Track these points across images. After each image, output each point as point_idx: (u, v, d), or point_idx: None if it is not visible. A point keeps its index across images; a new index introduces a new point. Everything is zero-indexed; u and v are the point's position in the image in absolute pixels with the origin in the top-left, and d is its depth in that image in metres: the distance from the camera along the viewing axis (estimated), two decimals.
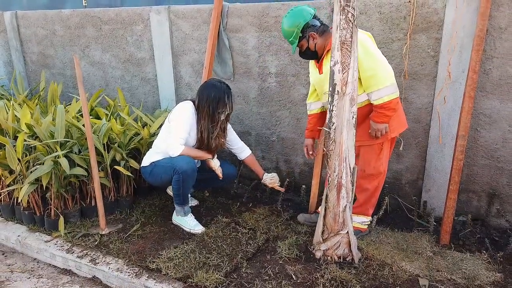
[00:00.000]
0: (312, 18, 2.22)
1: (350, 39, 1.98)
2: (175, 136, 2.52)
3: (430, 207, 2.68)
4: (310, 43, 2.21)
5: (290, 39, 2.25)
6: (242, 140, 2.92)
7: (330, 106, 2.07)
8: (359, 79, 2.15)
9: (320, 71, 2.29)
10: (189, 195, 3.03)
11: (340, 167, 2.09)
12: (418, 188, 2.76)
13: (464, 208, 2.64)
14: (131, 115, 3.21)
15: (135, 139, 2.97)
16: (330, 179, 2.13)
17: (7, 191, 2.78)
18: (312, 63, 2.40)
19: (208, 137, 2.62)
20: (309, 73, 2.62)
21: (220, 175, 2.64)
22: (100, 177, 2.72)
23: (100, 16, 3.77)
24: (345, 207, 2.13)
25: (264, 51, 3.07)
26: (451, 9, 2.36)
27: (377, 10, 2.59)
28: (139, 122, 3.14)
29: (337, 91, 2.04)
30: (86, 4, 5.38)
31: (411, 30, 2.51)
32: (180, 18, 3.35)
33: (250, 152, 2.88)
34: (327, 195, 2.16)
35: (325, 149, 2.14)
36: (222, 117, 2.60)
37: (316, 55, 2.29)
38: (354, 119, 2.06)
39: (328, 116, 2.11)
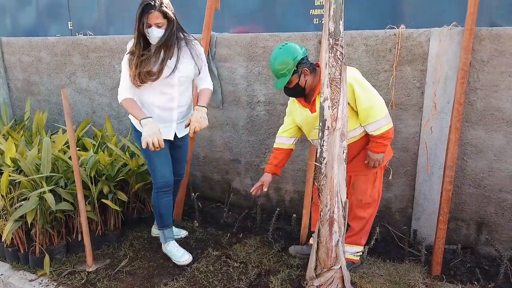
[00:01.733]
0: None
1: (339, 76, 2.00)
2: (120, 84, 2.33)
3: (421, 236, 2.70)
4: (301, 79, 2.21)
5: (282, 72, 2.18)
6: (230, 168, 2.90)
7: (321, 141, 2.08)
8: (355, 112, 2.18)
9: (313, 110, 2.28)
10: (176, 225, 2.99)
11: (332, 202, 2.09)
12: (408, 217, 2.78)
13: (454, 236, 2.66)
14: (119, 144, 3.17)
15: (123, 170, 2.92)
16: (322, 213, 2.12)
17: None
18: (295, 102, 2.37)
19: (136, 65, 2.24)
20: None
21: (191, 132, 2.27)
22: (87, 211, 2.66)
23: (87, 44, 3.76)
24: (338, 241, 2.12)
25: (253, 80, 3.09)
26: (435, 43, 2.42)
27: (363, 42, 2.64)
28: (126, 152, 3.10)
29: (328, 126, 2.06)
30: (71, 28, 5.36)
31: (396, 62, 2.56)
32: None
33: (208, 87, 2.49)
34: (319, 230, 2.15)
35: (316, 184, 2.14)
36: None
37: (303, 93, 2.28)
38: (344, 153, 2.07)
39: (318, 151, 2.11)
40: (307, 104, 2.31)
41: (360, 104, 2.13)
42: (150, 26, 2.18)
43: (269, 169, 2.48)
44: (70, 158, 2.75)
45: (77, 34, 4.66)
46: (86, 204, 2.63)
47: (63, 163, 2.79)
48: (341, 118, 2.06)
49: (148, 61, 2.24)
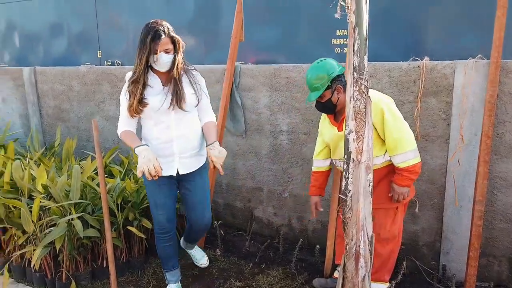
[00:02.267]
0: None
1: (364, 109, 2.02)
2: (119, 119, 2.32)
3: (450, 272, 2.61)
4: (334, 95, 2.20)
5: (316, 85, 2.18)
6: (253, 196, 2.87)
7: (346, 173, 2.08)
8: (381, 140, 2.18)
9: (340, 129, 2.29)
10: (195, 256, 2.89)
11: (358, 236, 2.07)
12: (436, 251, 2.70)
13: (485, 273, 2.57)
14: None
15: None
16: (347, 247, 2.09)
17: (20, 253, 2.76)
18: (326, 120, 2.39)
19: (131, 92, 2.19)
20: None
21: (219, 169, 2.18)
22: (112, 237, 2.70)
23: (116, 74, 3.90)
24: (364, 277, 2.08)
25: (276, 110, 3.14)
26: (460, 75, 2.42)
27: (386, 73, 2.65)
28: None
29: (352, 159, 2.06)
30: (100, 56, 5.59)
31: (421, 93, 2.55)
32: None
33: (212, 119, 2.38)
34: (345, 264, 2.12)
35: (341, 216, 2.13)
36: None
37: (333, 110, 2.27)
38: (370, 187, 2.06)
39: (343, 183, 2.11)
40: (336, 122, 2.31)
41: (389, 132, 2.12)
42: (157, 53, 2.12)
43: (314, 191, 2.53)
44: (98, 185, 2.82)
45: (105, 62, 4.85)
46: (112, 231, 2.68)
47: (91, 190, 2.87)
48: (366, 151, 2.06)
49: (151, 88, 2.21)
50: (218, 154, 2.18)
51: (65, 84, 4.28)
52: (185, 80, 2.27)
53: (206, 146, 2.26)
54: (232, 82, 3.22)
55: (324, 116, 2.42)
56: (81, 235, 2.51)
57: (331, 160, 2.47)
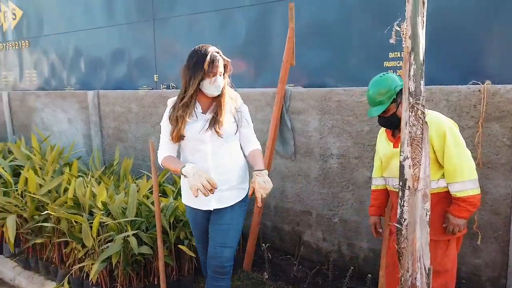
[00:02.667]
0: None
1: (421, 135, 1.95)
2: (159, 146, 2.24)
3: None
4: (399, 109, 2.13)
5: (381, 99, 2.13)
6: (301, 219, 2.82)
7: (401, 201, 2.01)
8: (438, 164, 2.09)
9: (396, 145, 2.23)
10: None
11: (414, 267, 1.97)
12: (501, 287, 2.50)
13: None
14: None
15: None
16: (402, 279, 2.00)
17: (80, 266, 2.91)
18: (383, 135, 2.33)
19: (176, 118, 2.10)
20: (373, 152, 2.55)
21: (257, 199, 1.95)
22: (164, 255, 2.78)
23: (171, 97, 4.09)
24: None
25: (326, 133, 3.12)
26: None
27: (444, 97, 2.56)
28: None
29: (408, 186, 1.99)
30: (157, 80, 5.89)
31: (482, 118, 2.43)
32: (244, 100, 3.51)
33: (257, 147, 2.20)
34: None
35: (396, 246, 2.05)
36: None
37: (398, 125, 2.18)
38: (427, 216, 1.97)
39: (398, 211, 2.03)
40: (393, 138, 2.24)
41: (449, 158, 2.03)
42: (215, 75, 2.05)
43: (373, 211, 2.45)
44: (152, 203, 2.94)
45: (161, 86, 5.11)
46: (164, 249, 2.76)
47: (146, 208, 2.99)
48: (423, 178, 1.98)
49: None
50: (263, 183, 1.95)
51: (124, 107, 4.55)
52: (227, 107, 2.13)
53: (254, 171, 2.03)
54: (282, 105, 3.25)
55: (381, 131, 2.36)
56: (135, 251, 2.61)
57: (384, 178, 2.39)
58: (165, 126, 2.18)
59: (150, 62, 5.80)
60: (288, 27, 3.15)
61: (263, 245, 3.21)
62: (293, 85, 3.57)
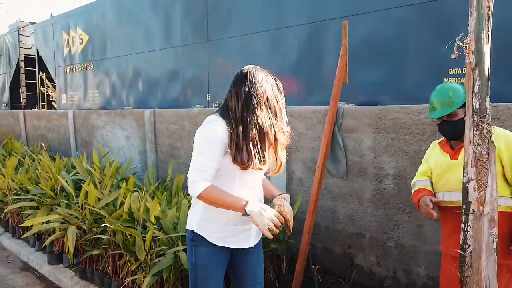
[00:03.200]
0: None
1: (487, 155, 1.82)
2: (196, 167, 1.74)
3: None
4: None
5: (449, 101, 2.02)
6: (353, 242, 2.72)
7: (464, 226, 1.86)
8: (506, 182, 1.98)
9: (454, 157, 2.08)
10: None
11: None
12: None
13: None
14: None
15: None
16: None
17: (132, 279, 2.99)
18: (437, 148, 2.18)
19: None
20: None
21: (290, 225, 1.79)
22: None
23: None
24: None
25: (381, 152, 3.00)
26: None
27: (511, 115, 2.38)
28: None
29: (472, 210, 1.84)
30: (209, 99, 6.06)
31: None
32: (295, 118, 3.52)
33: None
34: None
35: (459, 275, 1.89)
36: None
37: (460, 134, 2.03)
38: (495, 243, 1.81)
39: (462, 236, 1.89)
40: (450, 149, 2.10)
41: None
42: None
43: (421, 192, 2.15)
44: None
45: (213, 104, 5.25)
46: None
47: None
48: (489, 202, 1.83)
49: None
50: (290, 208, 1.81)
51: (178, 124, 4.71)
52: None
53: (278, 195, 1.87)
54: (334, 123, 3.20)
55: (433, 145, 2.24)
56: (186, 266, 2.64)
57: (435, 194, 2.22)
58: (214, 146, 1.73)
59: (203, 81, 6.00)
60: (342, 45, 3.11)
61: (313, 266, 3.12)
62: (345, 103, 3.51)
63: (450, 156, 2.09)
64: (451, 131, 2.08)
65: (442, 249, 2.27)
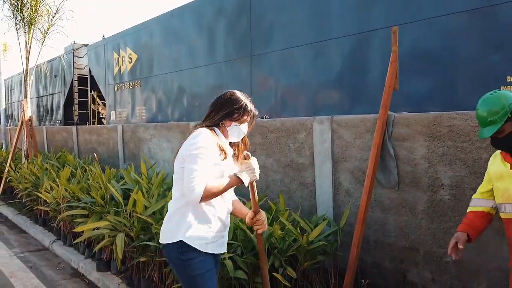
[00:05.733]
0: None
1: None
2: (195, 177, 1.92)
3: None
4: None
5: (492, 119, 1.91)
6: (406, 256, 2.57)
7: None
8: None
9: None
10: None
11: None
12: None
13: None
14: (289, 219, 3.25)
15: (294, 245, 2.95)
16: None
17: (178, 286, 2.98)
18: (499, 157, 2.06)
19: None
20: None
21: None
22: (256, 282, 2.72)
23: (267, 126, 4.17)
24: None
25: (436, 161, 2.85)
26: None
27: None
28: (297, 228, 3.14)
29: None
30: None
31: None
32: (342, 127, 3.44)
33: (235, 197, 2.29)
34: None
35: None
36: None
37: None
38: None
39: None
40: (511, 158, 1.97)
41: None
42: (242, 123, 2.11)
43: (462, 227, 2.15)
44: (248, 228, 2.93)
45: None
46: (258, 275, 2.70)
47: (242, 233, 2.99)
48: None
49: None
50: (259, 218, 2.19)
51: None
52: None
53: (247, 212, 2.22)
54: (385, 132, 3.08)
55: (496, 152, 2.11)
56: (231, 275, 2.60)
57: (496, 205, 2.08)
58: (208, 160, 1.94)
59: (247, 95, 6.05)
60: (392, 51, 3.03)
61: (362, 281, 2.97)
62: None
63: (510, 166, 1.98)
64: (503, 147, 2.01)
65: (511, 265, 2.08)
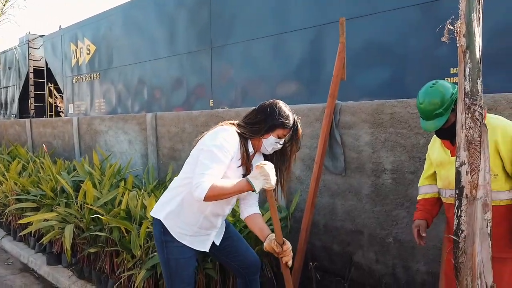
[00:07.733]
0: None
1: (479, 138, 1.79)
2: (204, 173, 1.87)
3: None
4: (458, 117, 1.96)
5: (438, 111, 1.96)
6: (352, 239, 2.67)
7: (458, 211, 1.82)
8: (505, 173, 1.93)
9: (454, 153, 2.05)
10: None
11: (474, 284, 1.75)
12: None
13: None
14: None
15: (244, 231, 3.00)
16: None
17: (127, 275, 2.97)
18: (438, 142, 2.15)
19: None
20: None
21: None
22: (207, 268, 2.76)
23: (223, 116, 4.19)
24: None
25: (379, 147, 2.97)
26: None
27: (509, 105, 2.35)
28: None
29: (466, 194, 1.81)
30: (212, 104, 6.10)
31: None
32: None
33: (258, 211, 2.19)
34: None
35: (453, 261, 1.84)
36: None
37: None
38: (488, 227, 1.76)
39: (455, 222, 1.85)
40: (451, 145, 2.05)
41: None
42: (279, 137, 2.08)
43: (418, 215, 2.22)
44: None
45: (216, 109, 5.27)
46: (208, 262, 2.74)
47: None
48: (482, 186, 1.79)
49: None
50: (284, 249, 2.04)
51: (179, 127, 4.74)
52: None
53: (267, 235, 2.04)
54: (332, 120, 3.18)
55: (434, 139, 2.20)
56: None
57: (438, 190, 2.21)
58: (225, 156, 1.90)
59: (207, 87, 6.04)
60: (339, 42, 3.12)
61: (311, 264, 3.06)
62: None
63: (450, 153, 2.07)
64: (448, 136, 2.05)
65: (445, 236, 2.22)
